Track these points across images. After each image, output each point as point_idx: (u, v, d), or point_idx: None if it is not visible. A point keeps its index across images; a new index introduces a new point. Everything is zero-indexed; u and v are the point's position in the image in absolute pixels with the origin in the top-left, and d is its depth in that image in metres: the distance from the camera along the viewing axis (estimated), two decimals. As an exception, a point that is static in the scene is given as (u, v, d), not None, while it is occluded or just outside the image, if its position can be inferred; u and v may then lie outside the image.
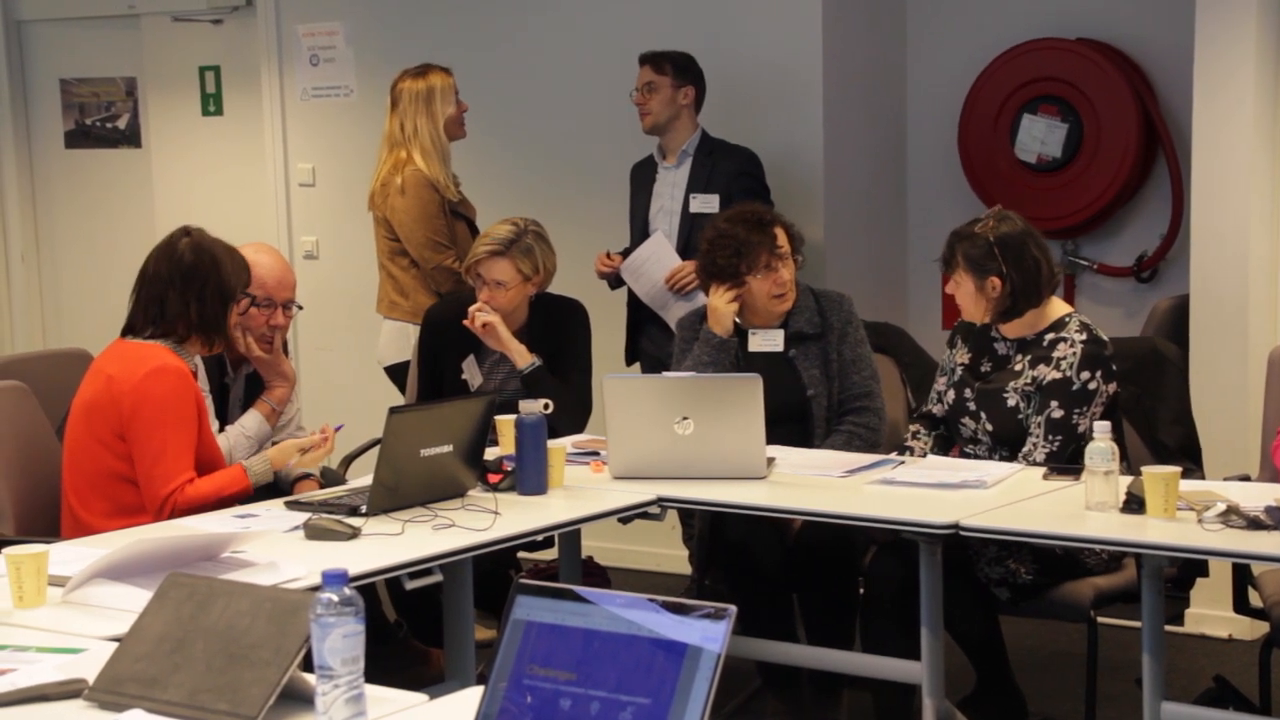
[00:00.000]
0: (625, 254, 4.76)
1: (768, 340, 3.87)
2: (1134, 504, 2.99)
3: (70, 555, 2.69)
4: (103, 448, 3.25)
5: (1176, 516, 2.94)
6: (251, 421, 3.63)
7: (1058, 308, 3.62)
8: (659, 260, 4.66)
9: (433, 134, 4.61)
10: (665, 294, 4.66)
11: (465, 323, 4.01)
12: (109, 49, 6.41)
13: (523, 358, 4.01)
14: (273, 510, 3.19)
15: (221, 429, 3.63)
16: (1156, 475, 2.96)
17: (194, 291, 3.31)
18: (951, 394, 3.68)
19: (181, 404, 3.24)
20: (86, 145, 6.55)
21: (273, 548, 2.79)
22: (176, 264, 3.33)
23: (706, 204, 4.66)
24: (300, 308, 3.87)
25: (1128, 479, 3.08)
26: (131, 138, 6.45)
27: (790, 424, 3.77)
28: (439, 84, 4.64)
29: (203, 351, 3.39)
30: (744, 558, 3.72)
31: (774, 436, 3.53)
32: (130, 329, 3.36)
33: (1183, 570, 3.49)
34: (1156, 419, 3.72)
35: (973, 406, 3.62)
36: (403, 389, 4.64)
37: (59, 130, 6.59)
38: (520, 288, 4.05)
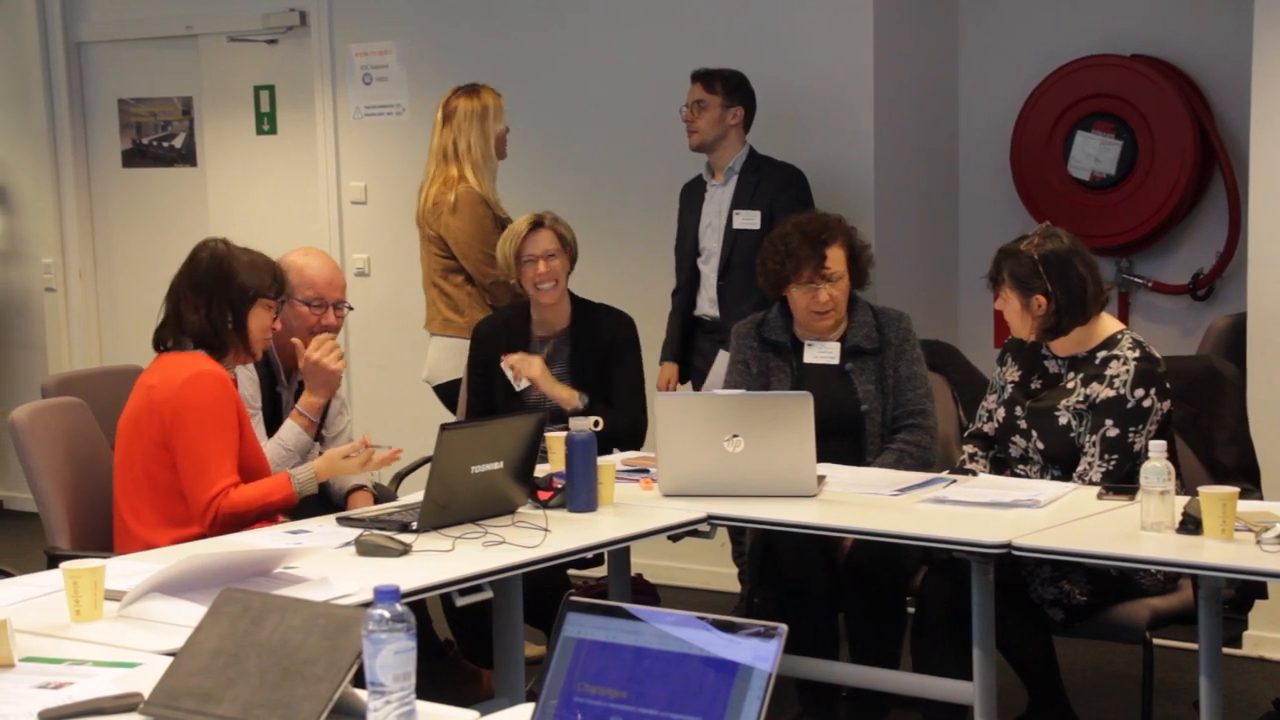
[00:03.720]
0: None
1: (823, 353, 3.86)
2: (1190, 524, 2.95)
3: (126, 570, 2.71)
4: (149, 459, 3.28)
5: (1234, 537, 2.90)
6: (289, 435, 3.64)
7: (1109, 325, 3.58)
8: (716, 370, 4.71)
9: (485, 151, 4.69)
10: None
11: (511, 377, 4.09)
12: (166, 69, 6.49)
13: (569, 402, 4.04)
14: (325, 526, 3.20)
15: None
16: (1214, 495, 2.92)
17: (202, 300, 3.35)
18: (1002, 412, 3.65)
19: (221, 409, 3.26)
20: (143, 164, 6.63)
21: (325, 564, 2.80)
22: (188, 275, 3.39)
23: (748, 220, 4.67)
24: (351, 308, 3.90)
25: (1184, 499, 3.04)
26: (187, 156, 6.52)
27: (842, 438, 3.75)
28: (491, 103, 4.72)
29: (226, 361, 3.39)
30: (793, 577, 3.71)
31: (825, 450, 3.52)
32: (159, 342, 3.40)
33: (1241, 592, 3.44)
34: (1213, 439, 3.68)
35: (1023, 425, 3.59)
36: (453, 408, 4.66)
37: (116, 149, 6.68)
38: (563, 259, 4.15)
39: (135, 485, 3.30)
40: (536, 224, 4.15)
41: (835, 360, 3.86)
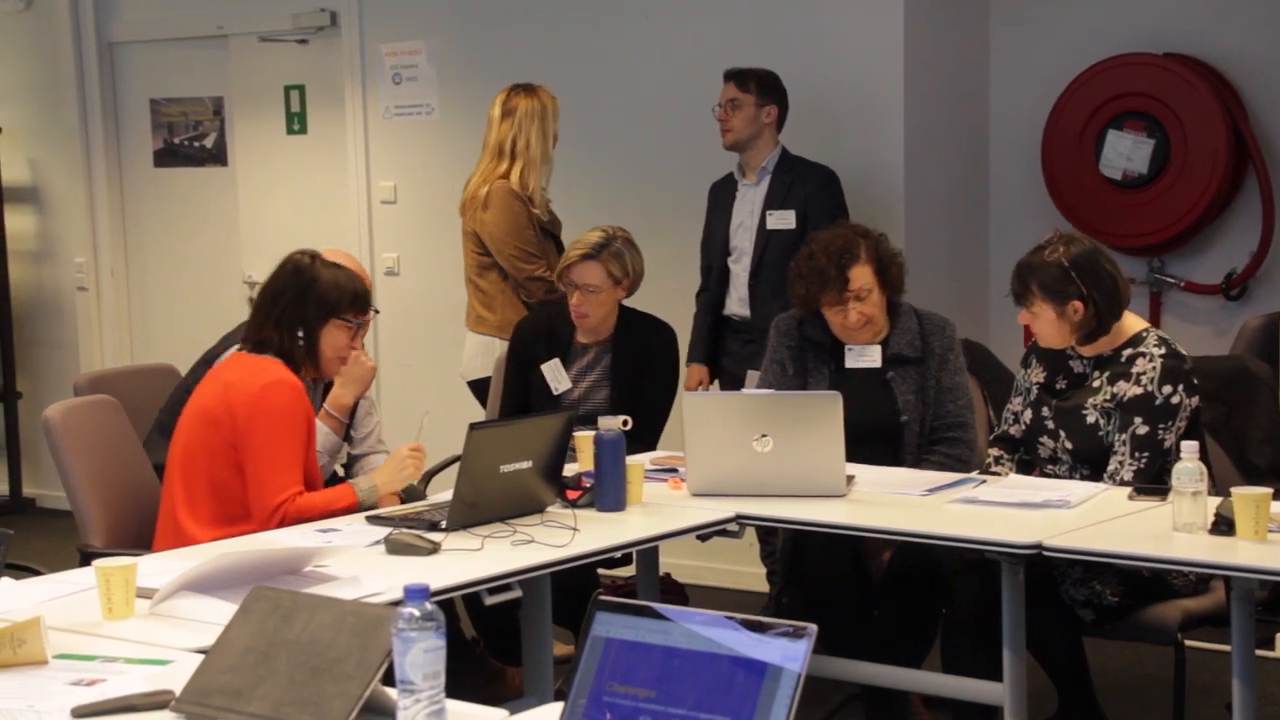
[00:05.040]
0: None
1: (864, 357, 3.83)
2: (1223, 525, 2.93)
3: (157, 568, 2.73)
4: (215, 455, 3.29)
5: (1267, 539, 2.88)
6: (318, 436, 3.65)
7: (1133, 323, 3.57)
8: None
9: (543, 150, 4.73)
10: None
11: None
12: (197, 69, 6.53)
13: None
14: (354, 525, 3.21)
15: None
16: (1246, 496, 2.90)
17: (277, 312, 3.37)
18: (1028, 413, 3.64)
19: (295, 418, 3.29)
20: (174, 164, 6.67)
21: (354, 562, 2.81)
22: (269, 285, 3.42)
23: (783, 220, 4.66)
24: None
25: (1216, 500, 3.02)
26: (218, 156, 6.56)
27: (880, 445, 3.73)
28: (549, 103, 4.76)
29: (300, 375, 3.41)
30: (819, 577, 3.69)
31: (862, 457, 3.50)
32: (243, 342, 3.44)
33: (1274, 593, 3.42)
34: (1246, 439, 3.66)
35: (1051, 425, 3.57)
36: (485, 404, 4.67)
37: (148, 149, 6.72)
38: (611, 291, 4.13)
39: (197, 478, 3.29)
40: (590, 255, 4.09)
41: (876, 364, 3.82)
